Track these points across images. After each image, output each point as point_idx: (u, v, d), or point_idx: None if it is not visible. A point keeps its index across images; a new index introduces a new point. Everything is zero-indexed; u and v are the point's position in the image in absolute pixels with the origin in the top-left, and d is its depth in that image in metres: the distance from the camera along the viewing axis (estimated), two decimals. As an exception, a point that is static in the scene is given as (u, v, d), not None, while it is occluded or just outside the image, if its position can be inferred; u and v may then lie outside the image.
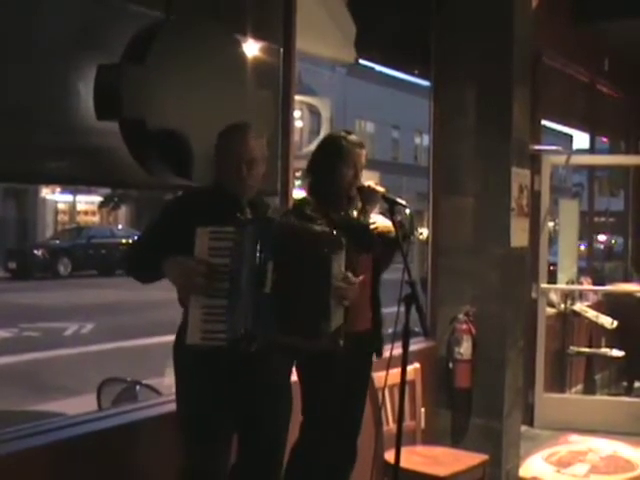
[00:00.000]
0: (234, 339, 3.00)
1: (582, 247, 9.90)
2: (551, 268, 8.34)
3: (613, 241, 16.35)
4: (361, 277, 3.73)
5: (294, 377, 3.84)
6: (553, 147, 8.24)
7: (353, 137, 3.98)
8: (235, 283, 3.02)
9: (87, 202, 34.12)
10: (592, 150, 9.63)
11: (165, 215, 3.35)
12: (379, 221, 3.86)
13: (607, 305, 8.60)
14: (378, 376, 4.17)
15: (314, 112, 31.33)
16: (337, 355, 3.59)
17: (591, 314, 8.22)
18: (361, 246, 3.80)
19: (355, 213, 3.96)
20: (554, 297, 8.05)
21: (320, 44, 5.13)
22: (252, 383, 3.23)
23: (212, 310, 3.02)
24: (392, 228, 3.68)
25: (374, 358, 4.07)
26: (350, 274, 3.31)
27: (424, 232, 6.23)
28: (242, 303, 3.01)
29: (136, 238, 3.43)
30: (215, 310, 3.01)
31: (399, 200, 3.73)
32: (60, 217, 33.55)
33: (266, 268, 3.02)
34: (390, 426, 4.59)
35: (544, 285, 7.56)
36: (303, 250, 3.15)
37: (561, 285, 8.21)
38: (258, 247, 3.03)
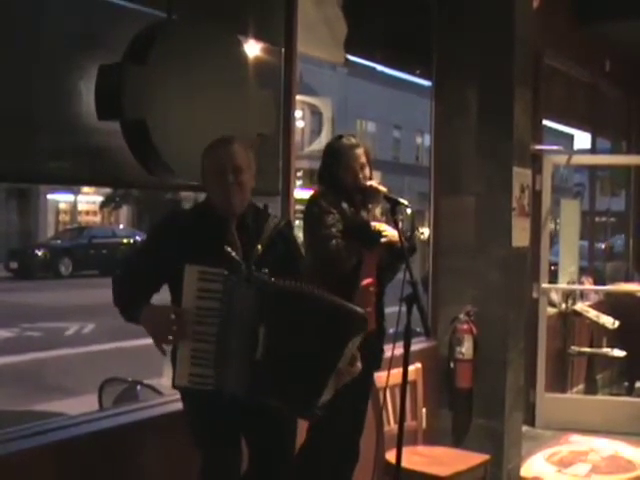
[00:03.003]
0: (220, 388, 2.98)
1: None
2: (552, 268, 8.34)
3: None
4: (367, 280, 3.75)
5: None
6: (554, 147, 8.24)
7: (344, 140, 4.03)
8: (223, 329, 2.96)
9: (88, 202, 34.12)
10: (593, 150, 9.63)
11: (152, 242, 3.33)
12: (389, 232, 3.87)
13: (608, 305, 8.60)
14: (379, 376, 4.17)
15: (315, 112, 31.39)
16: None
17: (592, 314, 8.21)
18: (365, 244, 3.83)
19: (365, 214, 4.00)
20: (555, 297, 8.04)
21: (311, 43, 5.12)
22: None
23: (200, 354, 2.97)
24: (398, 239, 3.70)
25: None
26: (358, 356, 3.17)
27: (425, 232, 6.23)
28: (231, 364, 2.96)
29: (123, 268, 3.36)
30: (203, 355, 2.97)
31: (401, 200, 3.74)
32: (61, 217, 33.56)
33: (257, 332, 2.96)
34: (391, 426, 4.59)
35: (545, 285, 7.55)
36: (320, 323, 3.02)
37: (562, 285, 8.21)
38: (251, 310, 2.96)
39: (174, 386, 3.14)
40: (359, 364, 3.18)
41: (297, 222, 4.48)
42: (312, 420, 3.34)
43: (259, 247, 3.19)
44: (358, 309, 3.10)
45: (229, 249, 3.08)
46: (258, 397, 3.01)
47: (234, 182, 3.17)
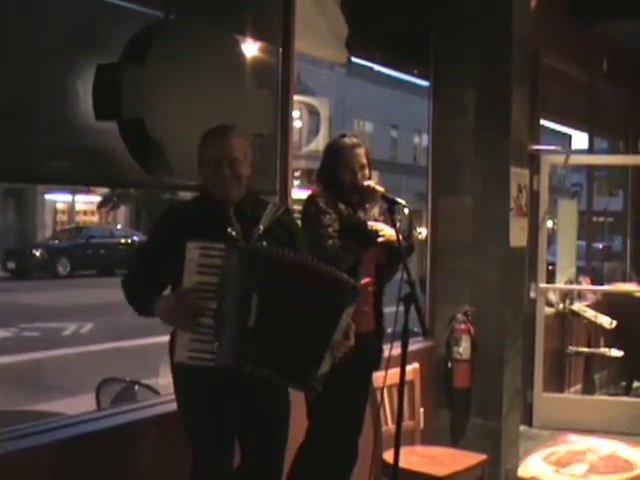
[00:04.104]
0: (218, 363, 2.99)
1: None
2: (550, 268, 8.35)
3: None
4: (364, 280, 3.75)
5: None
6: (552, 147, 8.24)
7: (346, 139, 4.02)
8: (221, 305, 2.98)
9: (86, 202, 34.09)
10: (591, 150, 9.63)
11: (154, 234, 3.37)
12: (386, 231, 3.87)
13: (606, 305, 8.60)
14: (377, 376, 4.17)
15: (313, 112, 31.37)
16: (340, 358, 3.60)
17: (590, 314, 8.22)
18: (362, 243, 3.83)
19: (362, 214, 4.00)
20: (553, 297, 8.05)
21: (314, 43, 5.13)
22: (251, 385, 3.21)
23: (200, 329, 2.98)
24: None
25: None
26: (353, 325, 3.21)
27: (423, 232, 6.23)
28: (226, 332, 2.97)
29: (130, 266, 3.41)
30: (203, 329, 2.98)
31: (398, 200, 3.75)
32: (59, 217, 33.53)
33: (250, 301, 2.97)
34: (389, 426, 4.60)
35: (543, 285, 7.56)
36: (313, 293, 3.05)
37: (560, 285, 8.21)
38: (244, 276, 2.98)
39: (174, 364, 3.14)
40: (353, 337, 3.20)
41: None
42: (310, 393, 3.33)
43: (260, 227, 3.22)
44: (351, 279, 3.14)
45: (230, 229, 3.12)
46: (252, 367, 3.02)
47: (230, 175, 3.20)
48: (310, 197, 3.97)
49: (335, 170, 3.96)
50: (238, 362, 3.00)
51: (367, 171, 3.98)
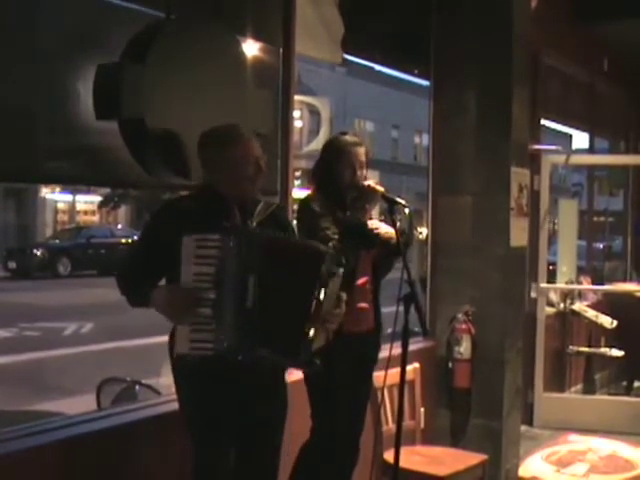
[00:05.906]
0: (219, 351, 3.01)
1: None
2: (550, 268, 8.35)
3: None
4: (362, 279, 3.75)
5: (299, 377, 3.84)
6: (553, 147, 8.25)
7: (348, 137, 4.01)
8: (219, 293, 3.01)
9: (87, 202, 34.13)
10: (592, 150, 9.63)
11: (152, 227, 3.36)
12: (382, 227, 3.86)
13: (606, 304, 8.60)
14: (377, 376, 4.17)
15: (314, 112, 31.36)
16: (343, 358, 3.60)
17: (590, 314, 8.22)
18: (363, 245, 3.82)
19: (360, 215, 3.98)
20: (553, 297, 8.05)
21: (308, 43, 5.13)
22: (251, 384, 3.21)
23: (199, 319, 3.01)
24: (394, 235, 3.68)
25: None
26: (343, 295, 3.26)
27: (423, 231, 6.23)
28: (225, 316, 3.00)
29: (126, 256, 3.43)
30: (202, 319, 3.01)
31: (398, 199, 3.73)
32: (60, 217, 33.56)
33: (247, 282, 3.00)
34: (389, 426, 4.59)
35: (543, 285, 7.56)
36: (298, 267, 3.09)
37: (560, 285, 8.21)
38: (240, 260, 3.01)
39: (175, 356, 3.15)
40: (344, 306, 3.25)
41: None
42: (309, 369, 3.32)
43: (254, 222, 3.25)
44: (332, 250, 3.23)
45: (225, 223, 3.14)
46: (254, 349, 3.04)
47: (254, 173, 3.23)
48: (306, 200, 3.95)
49: (334, 167, 3.92)
50: (238, 347, 3.02)
51: (365, 171, 3.97)
